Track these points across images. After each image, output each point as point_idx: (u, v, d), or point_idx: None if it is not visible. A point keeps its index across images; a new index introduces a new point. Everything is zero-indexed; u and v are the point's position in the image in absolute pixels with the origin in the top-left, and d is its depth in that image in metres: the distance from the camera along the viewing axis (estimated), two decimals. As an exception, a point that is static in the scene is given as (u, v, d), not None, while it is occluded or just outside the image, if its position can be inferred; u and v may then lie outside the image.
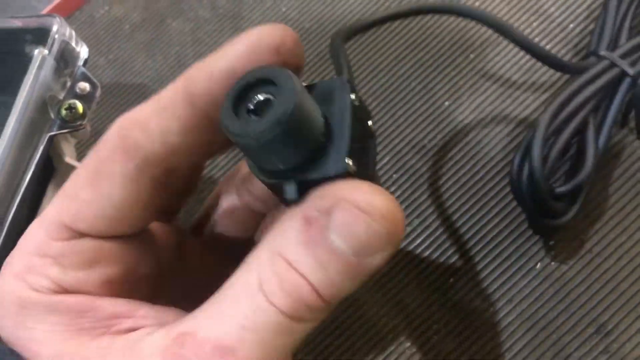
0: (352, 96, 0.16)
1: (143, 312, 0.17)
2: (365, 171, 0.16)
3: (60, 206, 0.18)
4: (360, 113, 0.17)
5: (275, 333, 0.15)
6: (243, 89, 0.15)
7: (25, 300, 0.17)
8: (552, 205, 0.25)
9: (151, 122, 0.16)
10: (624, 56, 0.27)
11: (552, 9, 0.32)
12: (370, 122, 0.18)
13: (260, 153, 0.15)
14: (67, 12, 0.40)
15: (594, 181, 0.27)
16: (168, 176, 0.18)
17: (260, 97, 0.15)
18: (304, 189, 0.15)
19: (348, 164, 0.15)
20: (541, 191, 0.24)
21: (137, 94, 0.36)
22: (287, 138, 0.14)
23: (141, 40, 0.37)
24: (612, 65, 0.27)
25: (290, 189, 0.16)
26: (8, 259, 0.18)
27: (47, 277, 0.18)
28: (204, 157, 0.19)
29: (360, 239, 0.15)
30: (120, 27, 0.38)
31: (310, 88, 0.17)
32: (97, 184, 0.17)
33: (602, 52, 0.27)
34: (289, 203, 0.16)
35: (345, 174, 0.15)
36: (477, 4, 0.33)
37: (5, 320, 0.18)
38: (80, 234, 0.18)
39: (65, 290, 0.18)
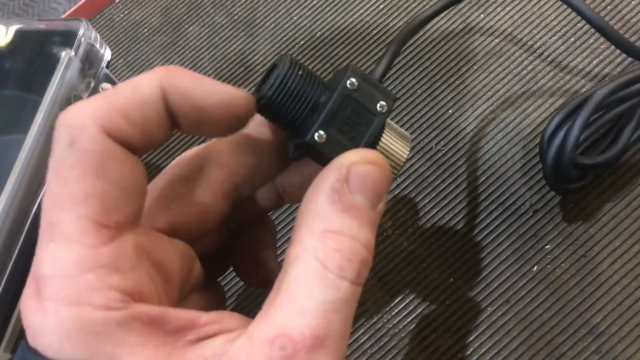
0: (353, 79, 0.19)
1: (205, 319, 0.17)
2: (358, 141, 0.19)
3: (80, 210, 0.16)
4: (360, 95, 0.19)
5: (351, 303, 0.16)
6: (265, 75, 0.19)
7: (96, 324, 0.15)
8: (569, 170, 0.26)
9: (132, 113, 0.17)
10: None
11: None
12: (381, 102, 0.20)
13: (273, 112, 0.19)
14: (88, 14, 0.41)
15: (590, 189, 0.29)
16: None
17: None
18: (299, 152, 0.19)
19: (317, 134, 0.18)
20: (567, 154, 0.25)
21: (154, 95, 0.37)
22: (283, 97, 0.19)
23: (159, 44, 0.39)
24: None
25: (290, 150, 0.19)
26: (33, 292, 0.15)
27: (113, 289, 0.15)
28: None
29: (373, 188, 0.17)
30: (139, 31, 0.40)
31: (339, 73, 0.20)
32: (102, 174, 0.16)
33: None
34: (292, 160, 0.20)
35: (315, 142, 0.19)
36: None
37: (78, 352, 0.15)
38: (115, 231, 0.16)
39: (131, 298, 0.16)
